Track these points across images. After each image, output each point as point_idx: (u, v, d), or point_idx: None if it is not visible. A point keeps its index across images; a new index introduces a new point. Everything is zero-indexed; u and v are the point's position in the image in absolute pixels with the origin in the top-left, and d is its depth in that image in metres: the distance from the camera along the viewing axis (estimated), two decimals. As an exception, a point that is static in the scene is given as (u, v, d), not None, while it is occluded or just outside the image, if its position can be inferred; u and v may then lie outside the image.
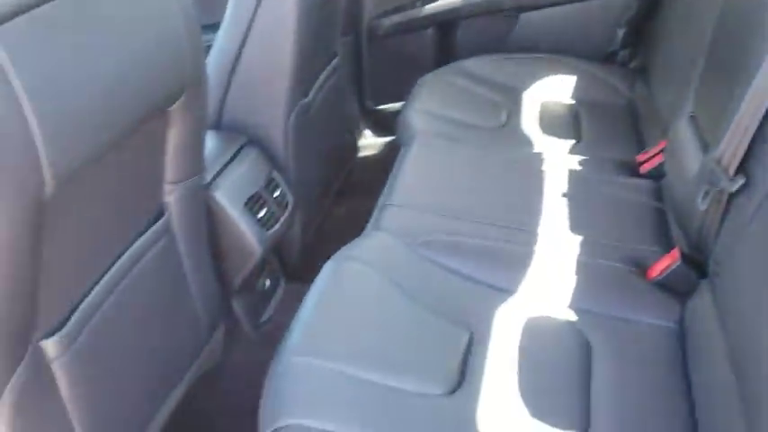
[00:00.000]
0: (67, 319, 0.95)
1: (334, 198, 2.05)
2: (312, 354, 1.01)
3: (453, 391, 1.01)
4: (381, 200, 1.45)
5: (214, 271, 1.38)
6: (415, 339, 1.08)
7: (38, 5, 0.80)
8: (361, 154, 2.34)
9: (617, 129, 1.84)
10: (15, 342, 0.87)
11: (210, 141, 1.51)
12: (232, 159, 1.50)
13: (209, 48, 1.60)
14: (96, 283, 1.01)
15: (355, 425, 0.92)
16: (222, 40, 1.57)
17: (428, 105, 1.87)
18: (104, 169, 0.96)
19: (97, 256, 1.02)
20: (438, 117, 1.81)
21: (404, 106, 1.90)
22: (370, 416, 0.93)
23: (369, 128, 2.42)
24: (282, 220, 1.55)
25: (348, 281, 1.17)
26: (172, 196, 1.19)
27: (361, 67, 2.30)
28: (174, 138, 1.15)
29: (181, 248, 1.24)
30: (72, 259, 0.94)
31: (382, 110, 2.37)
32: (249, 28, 1.53)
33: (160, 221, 1.17)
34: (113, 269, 1.05)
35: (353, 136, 2.31)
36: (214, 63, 1.57)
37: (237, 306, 1.53)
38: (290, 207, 1.59)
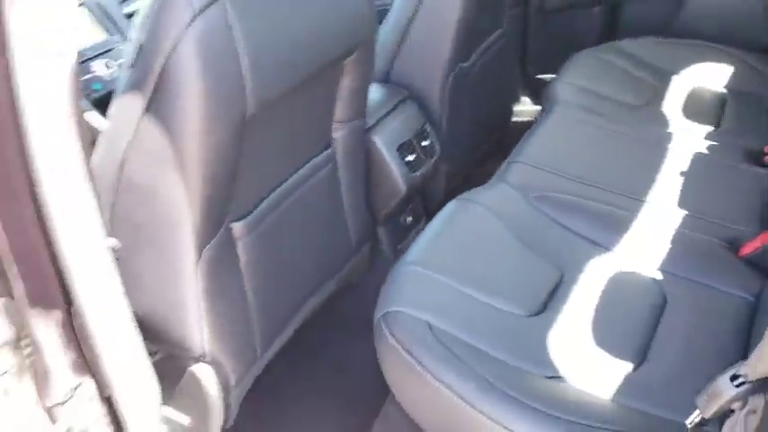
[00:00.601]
0: (252, 210, 1.28)
1: (483, 155, 2.28)
2: (423, 265, 1.27)
3: (534, 315, 1.24)
4: (510, 156, 1.68)
5: (366, 199, 1.69)
6: (511, 269, 1.32)
7: None
8: (517, 118, 2.54)
9: (760, 119, 1.90)
10: (215, 220, 1.21)
11: (378, 92, 1.81)
12: (393, 110, 1.78)
13: (385, 11, 1.89)
14: (276, 188, 1.34)
15: (446, 321, 1.17)
16: (398, 8, 1.84)
17: (576, 79, 2.03)
18: (290, 104, 1.27)
19: (279, 168, 1.35)
20: (583, 90, 1.98)
21: (554, 78, 2.08)
22: (458, 317, 1.19)
23: (527, 95, 2.61)
24: (427, 166, 1.82)
25: (465, 216, 1.42)
26: (338, 133, 1.50)
27: (526, 38, 2.48)
28: (345, 86, 1.44)
29: (341, 176, 1.54)
30: (260, 166, 1.27)
31: (541, 79, 2.54)
32: (421, 0, 1.79)
33: (327, 151, 1.48)
34: (290, 180, 1.37)
35: (510, 101, 2.51)
36: (390, 26, 1.85)
37: (381, 233, 1.83)
38: (435, 156, 1.86)
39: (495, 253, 1.35)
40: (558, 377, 1.14)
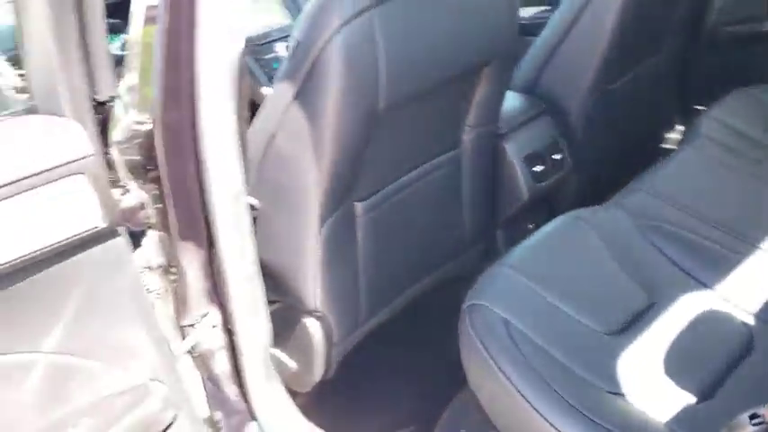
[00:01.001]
0: (374, 194, 1.45)
1: (622, 175, 2.29)
2: (516, 268, 1.38)
3: (613, 334, 1.31)
4: (634, 181, 1.72)
5: (489, 202, 1.80)
6: (601, 288, 1.39)
7: None
8: (667, 146, 2.52)
9: None
10: (339, 197, 1.39)
11: (517, 101, 1.90)
12: (529, 120, 1.87)
13: (542, 24, 1.97)
14: (400, 177, 1.50)
15: (524, 322, 1.27)
16: (554, 23, 1.92)
17: (725, 115, 1.99)
18: (421, 105, 1.42)
19: (404, 160, 1.50)
20: (728, 127, 1.94)
21: (703, 110, 2.06)
22: (536, 321, 1.28)
23: (683, 124, 2.57)
24: (554, 178, 1.89)
25: (569, 232, 1.50)
26: (468, 136, 1.63)
27: (689, 66, 2.45)
28: (479, 93, 1.56)
29: (464, 176, 1.67)
30: (386, 156, 1.44)
31: (699, 110, 2.50)
32: (577, 18, 1.86)
33: (453, 152, 1.61)
34: (413, 173, 1.53)
35: (661, 128, 2.49)
36: (542, 40, 1.94)
37: (500, 235, 1.94)
38: (564, 170, 1.92)
39: (590, 270, 1.42)
40: (619, 393, 1.21)
